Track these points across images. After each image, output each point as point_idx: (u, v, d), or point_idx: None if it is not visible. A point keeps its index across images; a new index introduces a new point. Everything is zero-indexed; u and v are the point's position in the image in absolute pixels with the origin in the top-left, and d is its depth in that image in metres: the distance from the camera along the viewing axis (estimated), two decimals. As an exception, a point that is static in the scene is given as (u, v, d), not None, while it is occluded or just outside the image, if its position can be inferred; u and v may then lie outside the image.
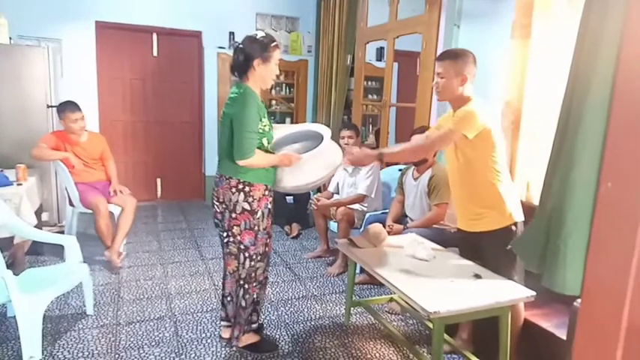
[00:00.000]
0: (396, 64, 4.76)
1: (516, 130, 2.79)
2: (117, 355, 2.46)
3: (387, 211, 3.53)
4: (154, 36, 5.63)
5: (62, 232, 3.90)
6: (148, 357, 2.45)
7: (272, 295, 3.26)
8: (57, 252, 3.63)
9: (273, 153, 2.39)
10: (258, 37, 2.27)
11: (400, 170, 3.63)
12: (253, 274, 2.40)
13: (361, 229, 3.53)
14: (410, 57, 5.36)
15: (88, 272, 2.83)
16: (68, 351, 2.48)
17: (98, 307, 2.99)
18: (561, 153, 1.53)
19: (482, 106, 2.16)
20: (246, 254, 2.33)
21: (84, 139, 3.78)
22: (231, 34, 5.73)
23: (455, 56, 2.22)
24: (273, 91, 6.15)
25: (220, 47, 5.67)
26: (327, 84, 5.47)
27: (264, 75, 2.28)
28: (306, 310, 3.09)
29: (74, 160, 3.64)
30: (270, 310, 3.04)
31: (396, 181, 3.68)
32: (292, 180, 2.42)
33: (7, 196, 3.12)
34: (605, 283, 0.81)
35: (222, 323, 2.56)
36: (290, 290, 3.40)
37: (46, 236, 2.96)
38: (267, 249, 2.43)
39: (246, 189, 2.26)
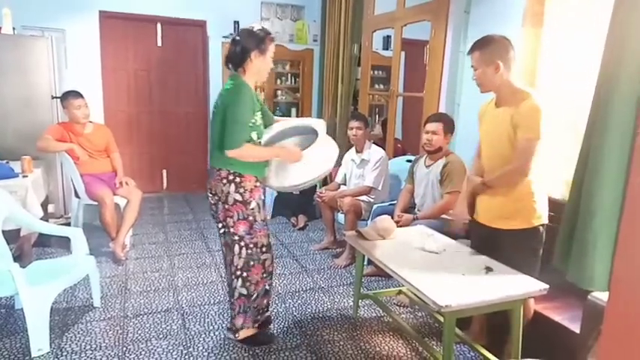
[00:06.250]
0: (403, 53, 4.69)
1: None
2: (124, 348, 2.45)
3: (395, 202, 3.49)
4: (159, 26, 5.57)
5: (68, 224, 3.90)
6: (155, 349, 2.45)
7: (279, 288, 3.25)
8: (63, 244, 3.62)
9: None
10: (254, 29, 2.30)
11: (409, 161, 3.58)
12: (261, 266, 2.39)
13: (368, 221, 3.50)
14: (418, 45, 5.29)
15: (95, 264, 2.82)
16: (76, 343, 2.47)
17: (105, 299, 2.98)
18: (591, 149, 1.49)
19: (541, 102, 2.03)
20: (242, 244, 2.34)
21: (89, 131, 3.75)
22: (236, 23, 5.66)
23: (482, 45, 2.10)
24: (279, 81, 6.09)
25: (225, 37, 5.60)
26: (334, 74, 5.39)
27: (260, 67, 2.32)
28: (313, 302, 3.07)
29: (79, 152, 3.62)
30: (277, 302, 3.02)
31: (403, 173, 3.63)
32: (276, 181, 2.41)
33: (13, 188, 3.10)
34: (633, 278, 0.77)
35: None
36: (297, 282, 3.38)
37: (52, 229, 2.95)
38: (270, 240, 2.43)
39: (237, 180, 2.27)
